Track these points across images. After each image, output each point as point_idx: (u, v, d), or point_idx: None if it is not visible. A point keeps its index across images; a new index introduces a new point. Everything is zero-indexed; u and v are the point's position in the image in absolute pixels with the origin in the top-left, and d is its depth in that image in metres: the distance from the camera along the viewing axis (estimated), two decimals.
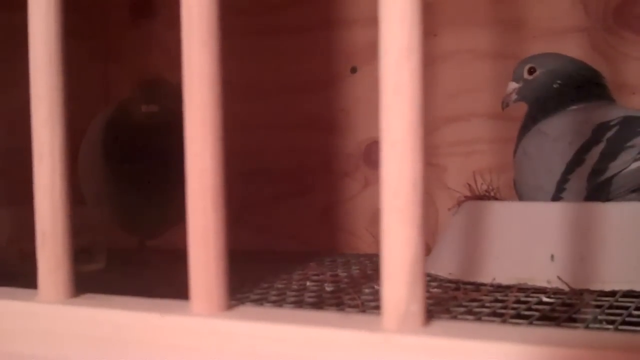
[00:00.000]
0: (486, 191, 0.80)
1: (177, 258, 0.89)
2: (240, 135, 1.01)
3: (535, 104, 0.77)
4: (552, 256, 0.64)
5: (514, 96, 0.78)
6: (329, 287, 0.68)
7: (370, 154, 0.98)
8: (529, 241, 0.66)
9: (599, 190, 0.66)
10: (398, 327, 0.25)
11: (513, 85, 0.78)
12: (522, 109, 0.79)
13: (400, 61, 0.25)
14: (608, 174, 0.66)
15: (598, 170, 0.67)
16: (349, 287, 0.67)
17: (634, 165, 0.65)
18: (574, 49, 0.82)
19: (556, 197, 0.70)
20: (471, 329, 0.25)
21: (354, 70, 0.99)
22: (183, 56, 0.29)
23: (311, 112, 1.00)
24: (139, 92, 0.78)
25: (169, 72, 1.06)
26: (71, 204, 0.31)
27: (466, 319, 0.54)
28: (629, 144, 0.65)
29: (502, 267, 0.65)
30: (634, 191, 0.65)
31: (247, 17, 1.02)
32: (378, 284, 0.68)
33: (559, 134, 0.72)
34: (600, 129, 0.68)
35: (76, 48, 1.05)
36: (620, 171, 0.65)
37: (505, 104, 0.79)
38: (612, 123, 0.68)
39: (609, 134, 0.67)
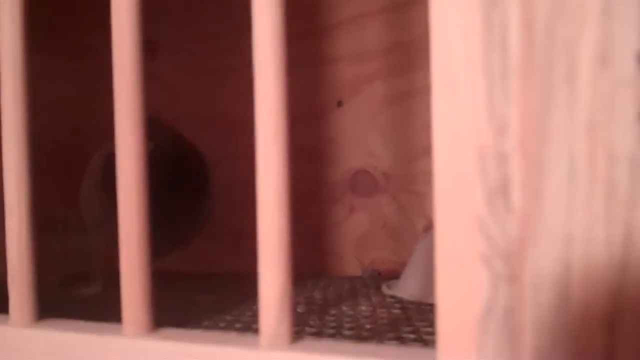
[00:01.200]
0: None
1: (171, 281, 0.97)
2: (235, 166, 1.09)
3: None
4: None
5: None
6: (300, 309, 0.75)
7: (356, 182, 1.05)
8: None
9: None
10: (269, 345, 0.32)
11: None
12: None
13: (269, 144, 0.32)
14: None
15: None
16: (319, 308, 0.74)
17: None
18: None
19: None
20: (334, 346, 0.32)
21: (340, 103, 1.06)
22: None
23: (300, 143, 1.07)
24: None
25: (170, 109, 1.14)
26: (35, 249, 0.39)
27: (408, 337, 0.61)
28: None
29: None
30: None
31: (243, 54, 1.10)
32: (346, 305, 0.75)
33: None
34: None
35: (80, 85, 1.14)
36: None
37: None
38: None
39: None
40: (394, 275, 1.00)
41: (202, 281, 0.96)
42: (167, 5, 1.17)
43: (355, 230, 1.05)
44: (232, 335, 0.34)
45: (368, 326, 0.65)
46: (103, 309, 0.70)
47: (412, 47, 1.01)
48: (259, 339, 0.33)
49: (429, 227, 0.83)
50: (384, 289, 0.84)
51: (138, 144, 0.35)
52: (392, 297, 0.80)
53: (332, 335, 0.61)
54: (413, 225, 1.01)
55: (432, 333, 0.62)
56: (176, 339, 0.34)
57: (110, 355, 0.34)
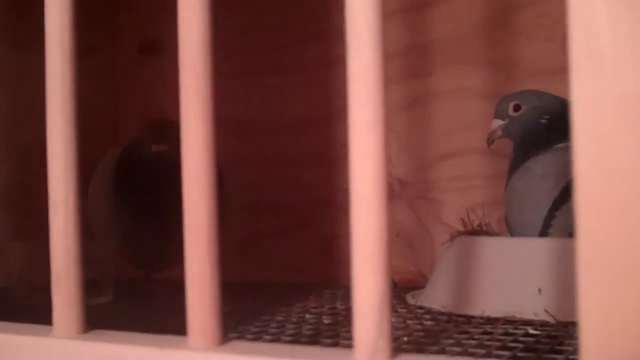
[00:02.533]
0: (479, 226, 0.83)
1: (182, 290, 0.93)
2: (245, 171, 1.05)
3: (522, 140, 0.80)
4: (539, 290, 0.67)
5: (499, 133, 0.81)
6: (326, 320, 0.71)
7: None
8: (517, 275, 0.69)
9: None
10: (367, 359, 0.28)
11: (498, 123, 0.81)
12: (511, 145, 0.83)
13: (368, 132, 0.29)
14: None
15: None
16: (346, 320, 0.70)
17: None
18: (563, 88, 0.85)
19: (543, 233, 0.73)
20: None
21: None
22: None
23: (313, 147, 1.04)
24: (148, 132, 0.82)
25: (174, 108, 1.10)
26: (83, 248, 0.35)
27: (453, 350, 0.57)
28: None
29: (491, 300, 0.68)
30: None
31: (255, 57, 1.06)
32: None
33: (545, 172, 0.75)
34: None
35: (86, 87, 1.09)
36: None
37: (490, 141, 0.82)
38: None
39: None
40: (410, 285, 0.96)
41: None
42: (173, 2, 1.13)
43: None
44: (316, 349, 0.30)
45: (406, 338, 0.61)
46: (119, 319, 0.66)
47: (429, 49, 0.97)
48: (353, 353, 0.29)
49: (455, 235, 0.79)
50: (409, 299, 0.80)
51: (206, 143, 0.31)
52: (420, 307, 0.76)
53: None
54: (430, 234, 0.97)
55: (480, 346, 0.58)
56: (250, 352, 0.30)
57: None
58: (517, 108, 0.80)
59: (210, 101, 0.32)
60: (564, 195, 0.72)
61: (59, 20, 0.35)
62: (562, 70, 0.89)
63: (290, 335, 0.63)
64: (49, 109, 0.35)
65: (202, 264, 0.31)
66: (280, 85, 1.05)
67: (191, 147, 0.31)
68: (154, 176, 0.83)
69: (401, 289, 0.95)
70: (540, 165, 0.76)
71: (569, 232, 0.71)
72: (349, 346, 0.57)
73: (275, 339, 0.61)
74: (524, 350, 0.57)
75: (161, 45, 1.14)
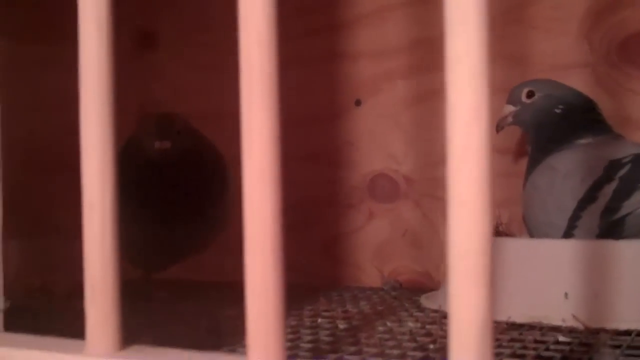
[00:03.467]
0: (496, 226, 0.80)
1: (182, 290, 0.89)
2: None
3: (537, 131, 0.77)
4: (565, 294, 0.64)
5: (510, 119, 0.79)
6: (341, 325, 0.68)
7: (375, 187, 0.98)
8: (542, 279, 0.67)
9: (612, 228, 0.67)
10: None
11: (509, 108, 0.78)
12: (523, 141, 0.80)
13: (470, 122, 0.25)
14: (621, 212, 0.66)
15: (611, 208, 0.67)
16: (363, 325, 0.67)
17: None
18: (578, 84, 0.83)
19: (568, 234, 0.70)
20: None
21: (358, 103, 0.99)
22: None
23: (316, 144, 1.00)
24: (150, 128, 0.78)
25: (172, 103, 1.06)
26: (119, 255, 0.31)
27: None
28: None
29: (516, 305, 0.66)
30: None
31: None
32: (391, 321, 0.68)
33: (569, 170, 0.72)
34: (613, 167, 0.69)
35: (70, 79, 1.05)
36: (634, 210, 0.66)
37: (500, 127, 0.79)
38: (624, 161, 0.68)
39: (622, 172, 0.68)
40: (416, 286, 0.93)
41: (217, 292, 0.88)
42: None
43: (375, 238, 0.98)
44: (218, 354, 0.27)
45: (432, 346, 0.58)
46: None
47: (436, 44, 0.93)
48: None
49: None
50: (424, 302, 0.77)
51: (270, 136, 0.27)
52: (436, 311, 0.73)
53: (400, 357, 0.55)
54: (437, 233, 0.94)
55: (514, 355, 0.55)
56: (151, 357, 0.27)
57: None
58: (530, 95, 0.77)
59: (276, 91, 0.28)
60: (590, 195, 0.69)
61: (96, 13, 0.31)
62: (576, 65, 0.88)
63: (308, 342, 0.60)
64: (84, 104, 0.31)
65: (266, 281, 0.28)
66: (284, 79, 1.02)
67: (254, 142, 0.27)
68: (157, 174, 0.78)
69: (407, 289, 0.92)
70: (563, 162, 0.73)
71: (595, 234, 0.68)
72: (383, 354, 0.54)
73: (295, 345, 0.58)
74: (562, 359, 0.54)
75: (157, 38, 1.10)
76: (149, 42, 1.10)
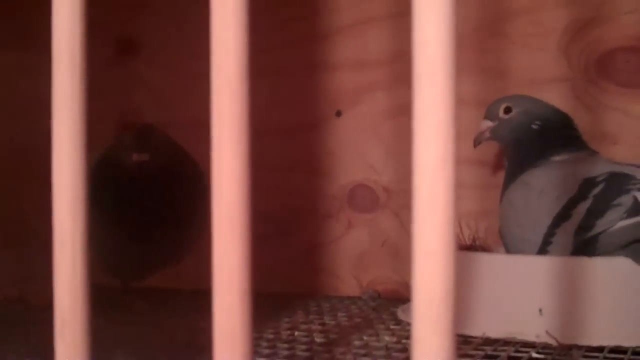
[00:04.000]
0: (472, 240, 0.81)
1: (160, 299, 0.89)
2: None
3: (514, 147, 0.78)
4: (540, 310, 0.65)
5: (487, 134, 0.79)
6: (318, 338, 0.68)
7: (354, 197, 0.98)
8: (517, 294, 0.67)
9: (586, 246, 0.68)
10: None
11: (487, 124, 0.79)
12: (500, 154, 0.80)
13: (435, 172, 0.26)
14: (595, 231, 0.67)
15: (585, 226, 0.68)
16: (339, 339, 0.68)
17: (621, 223, 0.66)
18: (556, 99, 0.84)
19: (542, 251, 0.71)
20: None
21: (338, 113, 0.99)
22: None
23: (296, 154, 1.01)
24: (128, 139, 0.78)
25: (152, 112, 1.06)
26: (90, 292, 0.32)
27: None
28: (615, 202, 0.67)
29: (491, 321, 0.66)
30: (621, 248, 0.66)
31: None
32: (367, 334, 0.69)
33: (544, 187, 0.73)
34: (587, 185, 0.69)
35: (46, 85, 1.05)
36: (607, 229, 0.67)
37: (477, 142, 0.80)
38: (598, 179, 0.69)
39: (595, 190, 0.68)
40: (395, 296, 0.94)
41: (195, 301, 0.88)
42: None
43: (353, 248, 0.99)
44: None
45: None
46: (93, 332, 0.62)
47: None
48: None
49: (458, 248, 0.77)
50: (400, 315, 0.78)
51: (240, 144, 0.28)
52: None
53: None
54: None
55: None
56: None
57: None
58: (507, 110, 0.78)
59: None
60: (565, 213, 0.70)
61: (69, 26, 0.31)
62: (555, 79, 0.89)
63: (284, 357, 0.60)
64: (55, 132, 0.31)
65: (232, 311, 0.28)
66: (265, 88, 1.02)
67: (223, 142, 0.28)
68: (134, 185, 0.79)
69: (385, 299, 0.93)
70: (538, 179, 0.74)
71: (569, 251, 0.69)
72: None
73: None
74: None
75: (139, 44, 1.10)
76: (130, 49, 1.10)
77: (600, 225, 0.67)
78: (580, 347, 0.62)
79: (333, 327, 0.74)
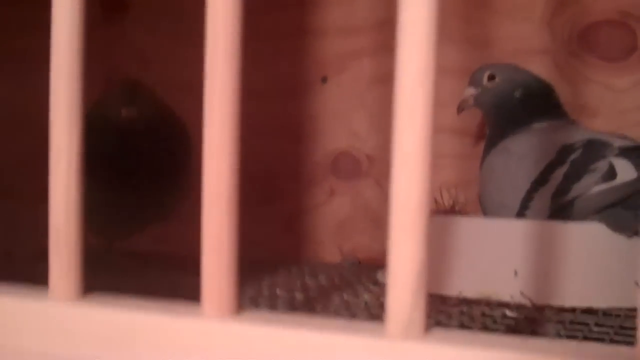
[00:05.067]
0: (452, 206, 0.82)
1: (143, 261, 0.90)
2: None
3: (496, 114, 0.79)
4: (515, 272, 0.67)
5: (471, 102, 0.81)
6: (298, 296, 0.69)
7: (338, 165, 0.99)
8: (493, 257, 0.69)
9: (562, 210, 0.69)
10: (401, 334, 0.27)
11: (470, 91, 0.81)
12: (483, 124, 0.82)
13: (415, 86, 0.27)
14: (571, 195, 0.69)
15: (561, 190, 0.69)
16: (320, 297, 0.69)
17: (596, 188, 0.67)
18: (538, 70, 0.85)
19: (520, 215, 0.72)
20: (470, 338, 0.27)
21: (324, 80, 1.00)
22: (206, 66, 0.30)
23: (280, 119, 1.01)
24: (116, 94, 0.79)
25: (138, 72, 1.06)
26: (84, 204, 0.33)
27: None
28: (591, 167, 0.68)
29: (468, 281, 0.68)
30: (596, 212, 0.68)
31: None
32: (347, 293, 0.70)
33: (524, 153, 0.75)
34: (565, 151, 0.71)
35: (42, 45, 1.05)
36: (583, 194, 0.68)
37: (460, 109, 0.82)
38: (576, 146, 0.71)
39: (573, 156, 0.70)
40: (375, 263, 0.95)
41: (180, 262, 0.89)
42: None
43: (335, 215, 1.00)
44: (342, 321, 0.29)
45: None
46: None
47: None
48: (385, 327, 0.27)
49: (433, 212, 0.78)
50: (380, 277, 0.79)
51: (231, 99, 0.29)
52: None
53: None
54: None
55: (461, 326, 0.57)
56: (269, 322, 0.28)
57: (187, 339, 0.29)
58: (491, 78, 0.80)
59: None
60: (543, 178, 0.71)
61: None
62: (537, 51, 0.90)
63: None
64: (54, 51, 0.32)
65: (221, 229, 0.29)
66: (251, 53, 1.02)
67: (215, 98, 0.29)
68: (122, 141, 0.79)
69: (366, 267, 0.94)
70: (519, 145, 0.76)
71: (546, 215, 0.70)
72: None
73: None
74: (506, 332, 0.56)
75: (126, 4, 1.10)
76: (118, 10, 1.10)
77: (577, 189, 0.68)
78: (552, 308, 0.64)
79: (314, 287, 0.75)
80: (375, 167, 0.98)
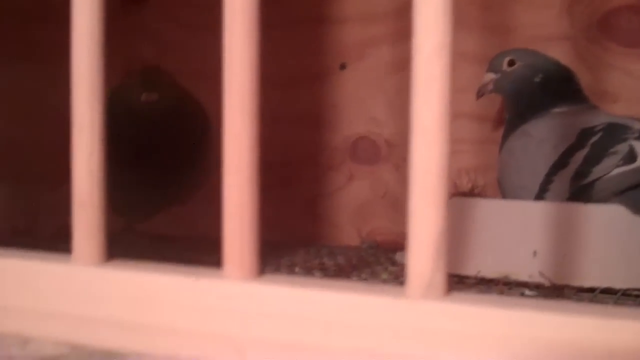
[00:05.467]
0: (471, 189, 0.82)
1: (161, 242, 0.91)
2: None
3: (516, 99, 0.79)
4: (534, 252, 0.67)
5: (491, 87, 0.81)
6: (317, 274, 0.70)
7: (356, 150, 1.00)
8: (513, 237, 0.69)
9: (582, 192, 0.69)
10: (422, 294, 0.27)
11: (490, 76, 0.81)
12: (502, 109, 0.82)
13: (432, 57, 0.27)
14: (591, 177, 0.69)
15: (581, 173, 0.69)
16: (338, 276, 0.70)
17: (617, 170, 0.67)
18: (558, 56, 0.85)
19: (539, 197, 0.72)
20: (491, 299, 0.27)
21: (343, 66, 1.00)
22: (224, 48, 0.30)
23: (299, 106, 1.02)
24: (137, 79, 0.79)
25: (157, 61, 1.07)
26: (106, 172, 0.33)
27: None
28: (612, 149, 0.68)
29: (486, 261, 0.68)
30: (615, 195, 0.68)
31: None
32: (365, 273, 0.71)
33: (544, 137, 0.75)
34: (585, 134, 0.71)
35: (62, 36, 1.06)
36: (603, 175, 0.68)
37: (480, 94, 0.82)
38: (596, 129, 0.71)
39: (593, 139, 0.70)
40: (394, 246, 0.95)
41: (197, 244, 0.90)
42: None
43: (354, 199, 1.00)
44: (363, 283, 0.29)
45: None
46: None
47: None
48: (406, 289, 0.28)
49: (449, 196, 0.78)
50: (399, 257, 0.79)
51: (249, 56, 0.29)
52: None
53: None
54: None
55: None
56: (291, 283, 0.29)
57: (210, 301, 0.29)
58: (511, 63, 0.80)
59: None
60: (563, 161, 0.71)
61: None
62: (557, 37, 0.90)
63: None
64: (75, 32, 0.33)
65: (242, 192, 0.30)
66: (270, 40, 1.03)
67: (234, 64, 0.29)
68: (142, 125, 0.80)
69: (384, 250, 0.94)
70: (538, 129, 0.76)
71: (565, 197, 0.70)
72: None
73: None
74: None
75: None
76: (136, 0, 1.11)
77: (597, 172, 0.68)
78: (571, 288, 0.64)
79: (332, 266, 0.76)
80: (394, 152, 0.98)
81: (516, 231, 0.69)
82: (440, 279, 0.27)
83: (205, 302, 0.29)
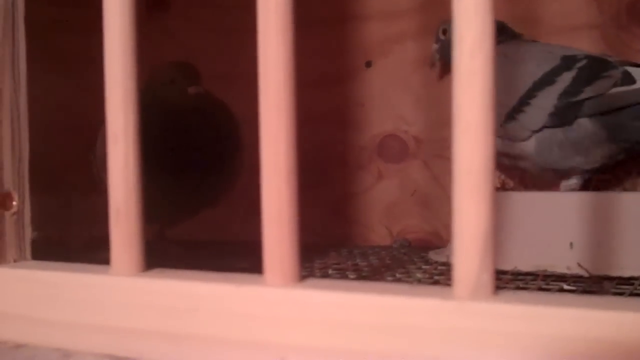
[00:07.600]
0: (502, 184, 0.82)
1: (194, 248, 0.91)
2: (257, 129, 1.02)
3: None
4: (571, 244, 0.66)
5: (436, 55, 0.89)
6: (351, 275, 0.69)
7: (384, 148, 0.99)
8: (548, 229, 0.68)
9: (568, 109, 0.73)
10: (470, 295, 0.26)
11: (434, 47, 0.89)
12: None
13: (474, 50, 0.27)
14: (581, 96, 0.72)
15: (571, 92, 0.73)
16: (371, 276, 0.69)
17: (614, 90, 0.71)
18: (586, 45, 0.84)
19: (517, 110, 0.75)
20: (540, 297, 0.26)
21: (368, 64, 1.00)
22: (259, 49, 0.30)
23: (326, 105, 1.01)
24: (175, 74, 0.78)
25: None
26: (143, 183, 0.33)
27: None
28: (604, 74, 0.72)
29: (522, 255, 0.67)
30: (602, 114, 0.72)
31: None
32: (399, 272, 0.70)
33: (522, 57, 0.78)
34: (569, 59, 0.75)
35: (88, 42, 1.06)
36: (593, 96, 0.72)
37: (430, 63, 0.91)
38: (578, 57, 0.75)
39: (579, 64, 0.74)
40: (425, 245, 0.94)
41: (227, 249, 0.90)
42: None
43: (384, 198, 0.99)
44: (407, 286, 0.29)
45: None
46: None
47: (447, 5, 0.95)
48: (453, 290, 0.27)
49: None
50: (433, 256, 0.79)
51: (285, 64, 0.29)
52: (444, 264, 0.74)
53: None
54: (446, 192, 0.95)
55: None
56: (333, 288, 0.28)
57: (251, 308, 0.29)
58: (445, 32, 0.87)
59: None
60: (548, 78, 0.74)
61: None
62: (585, 26, 0.89)
63: None
64: (107, 39, 0.32)
65: (281, 200, 0.29)
66: (297, 41, 1.03)
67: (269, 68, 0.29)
68: (186, 123, 0.78)
69: (416, 248, 0.93)
70: (515, 51, 0.79)
71: (548, 112, 0.73)
72: None
73: None
74: None
75: (169, 0, 1.11)
76: (160, 7, 1.11)
77: (588, 91, 0.72)
78: (611, 279, 0.63)
79: (365, 267, 0.75)
80: (422, 149, 0.97)
81: (551, 223, 0.68)
82: (487, 279, 0.27)
83: (246, 310, 0.29)
